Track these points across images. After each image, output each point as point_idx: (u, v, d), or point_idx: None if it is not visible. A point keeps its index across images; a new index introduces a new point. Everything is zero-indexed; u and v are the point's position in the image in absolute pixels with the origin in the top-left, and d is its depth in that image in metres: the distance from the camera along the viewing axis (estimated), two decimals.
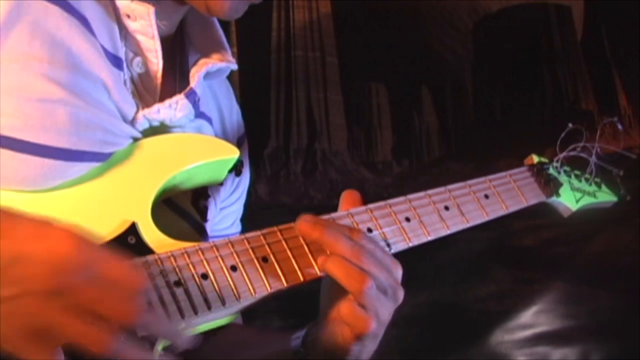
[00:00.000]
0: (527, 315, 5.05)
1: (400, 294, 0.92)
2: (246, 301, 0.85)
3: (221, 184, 1.04)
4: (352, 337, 0.89)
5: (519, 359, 4.44)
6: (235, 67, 1.05)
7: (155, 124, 0.94)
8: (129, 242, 0.83)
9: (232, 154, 0.97)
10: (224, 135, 1.10)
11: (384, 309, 0.90)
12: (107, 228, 0.84)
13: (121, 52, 0.91)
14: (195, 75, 0.97)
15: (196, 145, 0.96)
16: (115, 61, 0.90)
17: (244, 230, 0.91)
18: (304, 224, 0.89)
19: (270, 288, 0.86)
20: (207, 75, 1.00)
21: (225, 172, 0.98)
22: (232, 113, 1.16)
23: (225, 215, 1.14)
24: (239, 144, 1.14)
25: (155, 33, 0.91)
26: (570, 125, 1.25)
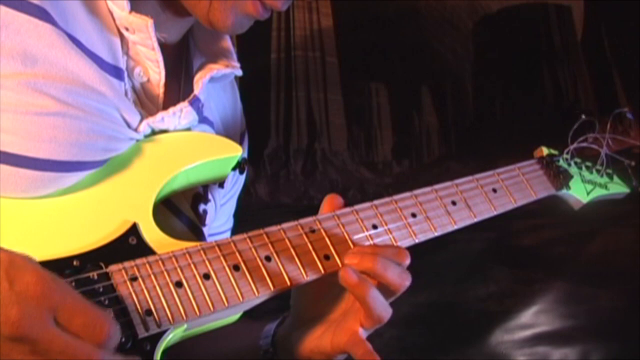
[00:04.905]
0: (527, 315, 5.04)
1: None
2: (249, 301, 0.85)
3: (222, 186, 1.04)
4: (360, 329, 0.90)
5: (519, 359, 4.43)
6: (239, 73, 1.05)
7: (158, 131, 0.95)
8: (130, 242, 0.83)
9: (235, 152, 0.97)
10: (227, 132, 1.10)
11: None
12: (108, 229, 0.84)
13: (122, 63, 0.91)
14: (200, 82, 0.97)
15: (198, 144, 0.96)
16: (116, 72, 0.90)
17: (243, 230, 0.91)
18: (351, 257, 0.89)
19: (274, 287, 0.86)
20: (212, 80, 1.00)
21: (229, 170, 0.98)
22: (236, 110, 1.16)
23: (221, 213, 1.14)
24: (241, 138, 1.15)
25: (155, 45, 0.91)
26: (583, 116, 1.24)
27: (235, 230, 1.20)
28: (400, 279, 0.89)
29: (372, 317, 0.88)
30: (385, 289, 0.89)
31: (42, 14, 0.82)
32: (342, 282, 0.87)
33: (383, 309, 0.88)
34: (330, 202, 0.97)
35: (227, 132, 1.12)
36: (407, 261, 0.91)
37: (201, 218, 1.03)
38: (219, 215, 1.14)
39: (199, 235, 1.02)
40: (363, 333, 0.91)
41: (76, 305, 0.68)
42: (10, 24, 0.79)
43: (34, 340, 0.64)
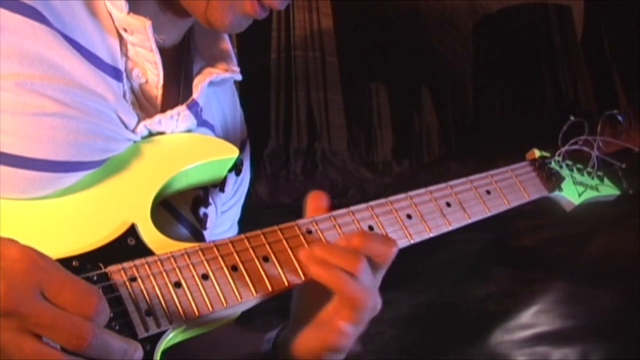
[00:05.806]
0: (527, 315, 5.04)
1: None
2: (247, 301, 0.85)
3: (222, 190, 1.04)
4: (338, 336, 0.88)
5: (519, 359, 4.43)
6: (239, 77, 1.05)
7: (156, 133, 0.95)
8: (129, 243, 0.84)
9: (232, 153, 0.97)
10: (226, 137, 1.10)
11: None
12: (107, 230, 0.84)
13: (120, 64, 0.91)
14: (199, 85, 0.97)
15: (195, 145, 0.96)
16: (114, 72, 0.90)
17: (243, 230, 0.91)
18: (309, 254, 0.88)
19: (272, 288, 0.86)
20: (211, 84, 1.00)
21: (225, 172, 0.98)
22: (236, 117, 1.16)
23: (224, 219, 1.14)
24: (241, 148, 1.15)
25: (154, 46, 0.91)
26: (571, 117, 1.25)
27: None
28: (386, 245, 0.88)
29: (352, 304, 0.85)
30: (373, 263, 0.88)
31: (37, 15, 0.82)
32: (313, 277, 0.86)
33: (360, 291, 0.85)
34: (314, 198, 0.96)
35: (226, 137, 1.12)
36: (395, 249, 0.90)
37: (202, 221, 1.03)
38: (222, 221, 1.13)
39: (200, 239, 1.01)
40: (350, 328, 0.89)
41: (63, 279, 0.68)
42: (7, 26, 0.79)
43: (22, 314, 0.65)
